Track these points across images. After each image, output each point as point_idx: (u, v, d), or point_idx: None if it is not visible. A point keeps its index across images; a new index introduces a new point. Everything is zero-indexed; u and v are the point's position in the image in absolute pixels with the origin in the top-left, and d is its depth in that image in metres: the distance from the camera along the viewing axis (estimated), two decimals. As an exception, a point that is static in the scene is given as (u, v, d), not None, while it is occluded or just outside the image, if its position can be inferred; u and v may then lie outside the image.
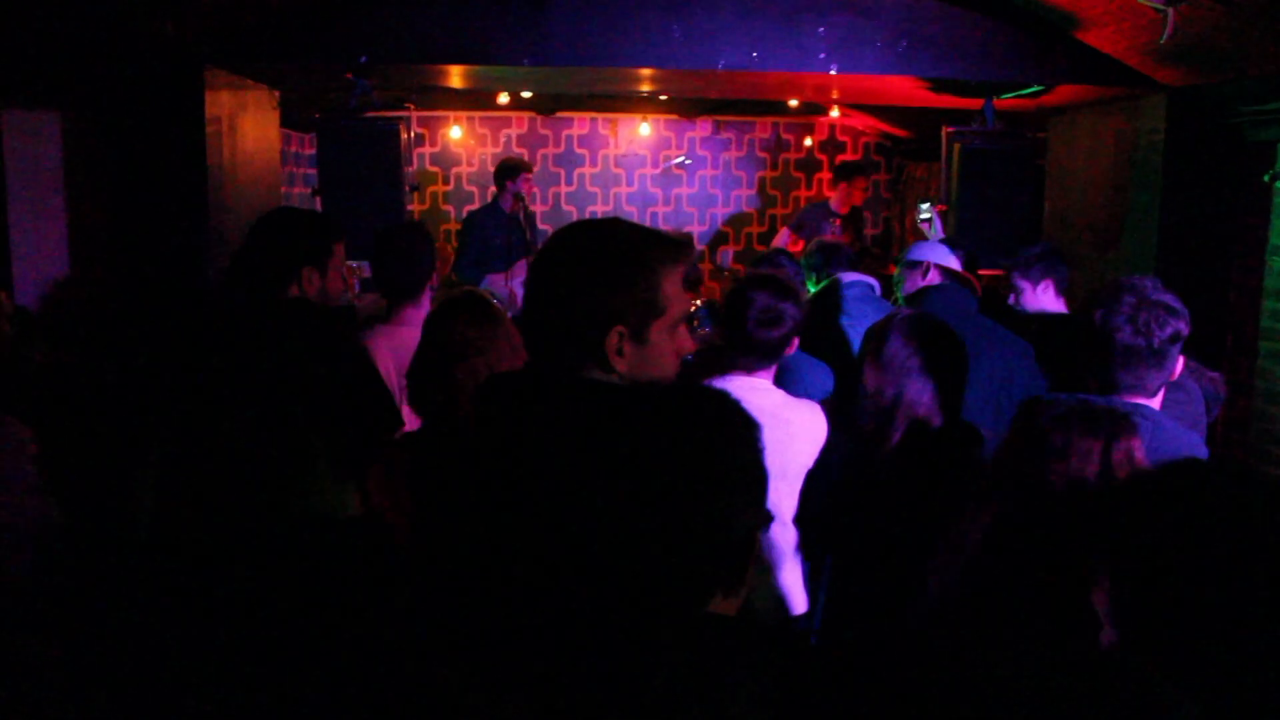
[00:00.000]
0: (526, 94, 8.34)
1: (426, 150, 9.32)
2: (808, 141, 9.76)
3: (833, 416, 3.29)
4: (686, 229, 9.35)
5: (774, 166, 9.79)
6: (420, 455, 2.54)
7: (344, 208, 5.22)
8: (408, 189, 5.34)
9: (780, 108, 8.78)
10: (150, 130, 4.64)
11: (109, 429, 2.92)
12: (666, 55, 4.86)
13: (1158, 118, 4.99)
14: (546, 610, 1.53)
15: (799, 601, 3.27)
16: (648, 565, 1.44)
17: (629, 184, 9.63)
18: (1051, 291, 4.45)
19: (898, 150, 9.68)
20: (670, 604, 1.42)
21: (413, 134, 5.53)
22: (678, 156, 9.51)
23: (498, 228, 7.34)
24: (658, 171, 9.62)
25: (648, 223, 6.30)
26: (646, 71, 5.17)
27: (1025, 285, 4.47)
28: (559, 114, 9.37)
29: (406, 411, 2.91)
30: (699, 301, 6.84)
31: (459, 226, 8.22)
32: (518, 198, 7.35)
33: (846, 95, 7.13)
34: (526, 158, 8.96)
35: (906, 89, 5.54)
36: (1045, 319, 4.40)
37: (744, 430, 1.54)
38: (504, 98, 8.48)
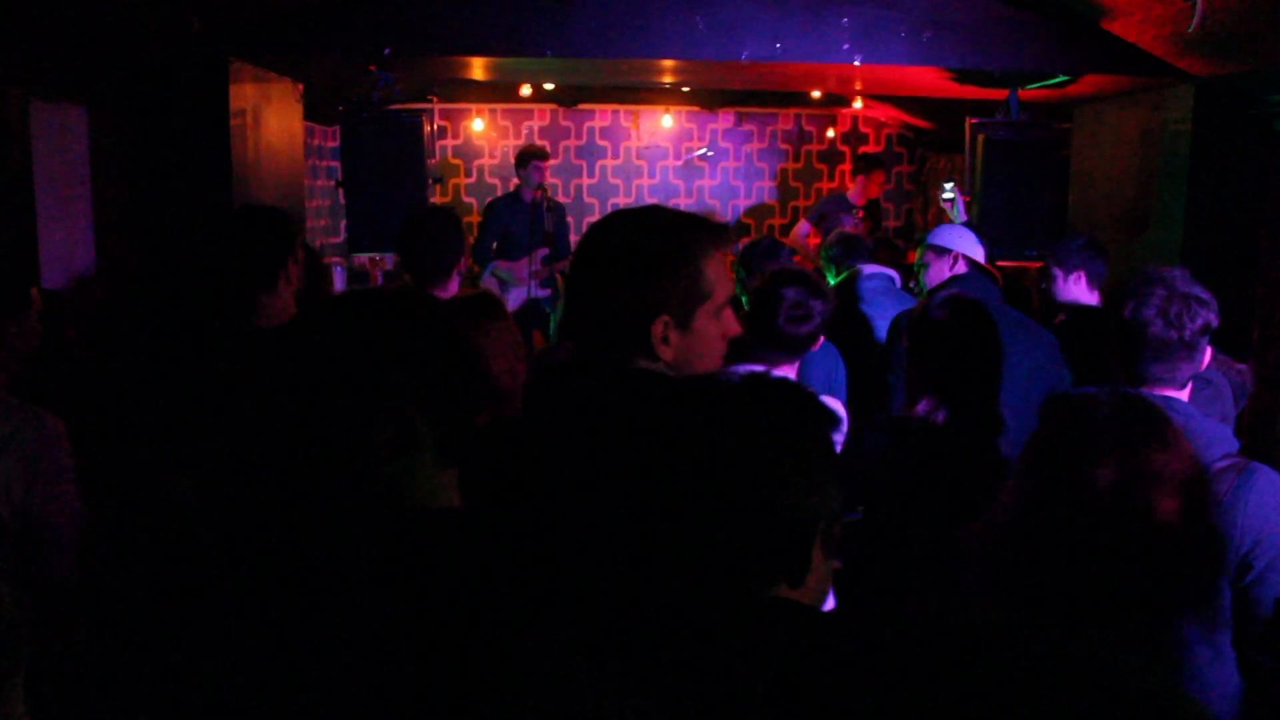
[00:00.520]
0: (549, 86, 8.35)
1: (449, 143, 9.33)
2: (830, 133, 9.73)
3: (849, 407, 3.29)
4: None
5: (796, 158, 9.76)
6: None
7: (367, 200, 5.25)
8: (430, 181, 5.36)
9: (802, 99, 8.75)
10: (175, 123, 4.67)
11: (139, 420, 2.94)
12: (690, 46, 4.85)
13: (1185, 108, 4.95)
14: (605, 596, 1.53)
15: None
16: (700, 552, 1.44)
17: (651, 176, 9.62)
18: (1084, 283, 4.42)
19: (920, 141, 9.63)
20: (723, 590, 1.42)
21: (435, 126, 5.55)
22: (700, 148, 9.50)
23: (517, 217, 7.36)
24: (679, 163, 9.61)
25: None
26: (669, 63, 5.16)
27: (1058, 273, 4.45)
28: (581, 106, 9.37)
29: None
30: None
31: (480, 219, 8.24)
32: (539, 188, 7.37)
33: (870, 86, 7.10)
34: (548, 149, 8.97)
35: (930, 80, 5.51)
36: (1072, 309, 4.38)
37: (805, 417, 1.52)
38: (526, 90, 8.49)
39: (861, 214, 8.11)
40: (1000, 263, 5.10)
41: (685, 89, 8.39)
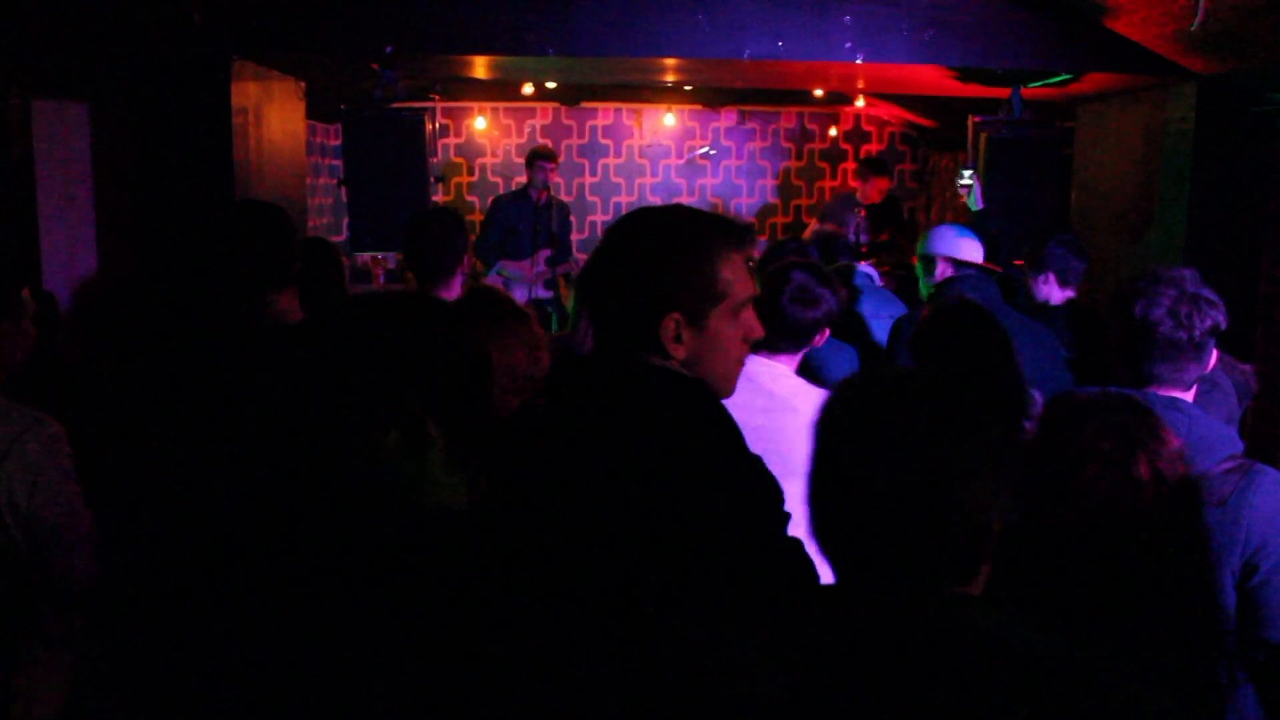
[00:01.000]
0: (551, 85, 8.34)
1: (451, 141, 9.33)
2: (832, 131, 9.72)
3: None
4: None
5: (798, 157, 9.75)
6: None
7: (369, 199, 5.25)
8: (432, 180, 5.36)
9: (805, 98, 8.75)
10: (177, 121, 4.66)
11: (132, 422, 2.93)
12: (692, 45, 4.84)
13: (1187, 106, 4.94)
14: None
15: None
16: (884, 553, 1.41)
17: (653, 174, 9.61)
18: (1053, 282, 4.47)
19: (923, 140, 9.62)
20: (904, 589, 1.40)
21: (437, 125, 5.55)
22: (702, 147, 9.50)
23: (523, 215, 7.36)
24: (682, 162, 9.60)
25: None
26: (672, 61, 5.15)
27: (1030, 274, 4.53)
28: (583, 104, 9.36)
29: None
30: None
31: (482, 217, 8.24)
32: (545, 188, 7.37)
33: (872, 85, 7.09)
34: (555, 150, 8.97)
35: (933, 78, 5.51)
36: (1046, 310, 4.44)
37: (974, 412, 1.47)
38: (529, 88, 8.48)
39: (863, 213, 8.11)
40: (1012, 260, 5.10)
41: (687, 88, 8.39)
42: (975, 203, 5.29)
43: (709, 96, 9.16)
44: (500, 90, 8.80)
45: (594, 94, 9.12)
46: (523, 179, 7.74)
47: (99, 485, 2.62)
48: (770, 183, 9.77)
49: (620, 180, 9.60)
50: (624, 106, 9.44)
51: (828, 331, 3.28)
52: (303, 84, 5.69)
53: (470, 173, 9.42)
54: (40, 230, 4.08)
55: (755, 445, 3.09)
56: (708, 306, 1.86)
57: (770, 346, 3.16)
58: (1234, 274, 4.88)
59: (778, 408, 2.98)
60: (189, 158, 4.66)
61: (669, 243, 1.88)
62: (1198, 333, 2.50)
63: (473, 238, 8.25)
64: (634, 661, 1.36)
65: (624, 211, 2.32)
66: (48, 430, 2.47)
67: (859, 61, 4.89)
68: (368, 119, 5.24)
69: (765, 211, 9.76)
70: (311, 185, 7.30)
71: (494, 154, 9.42)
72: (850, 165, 9.58)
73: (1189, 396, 2.57)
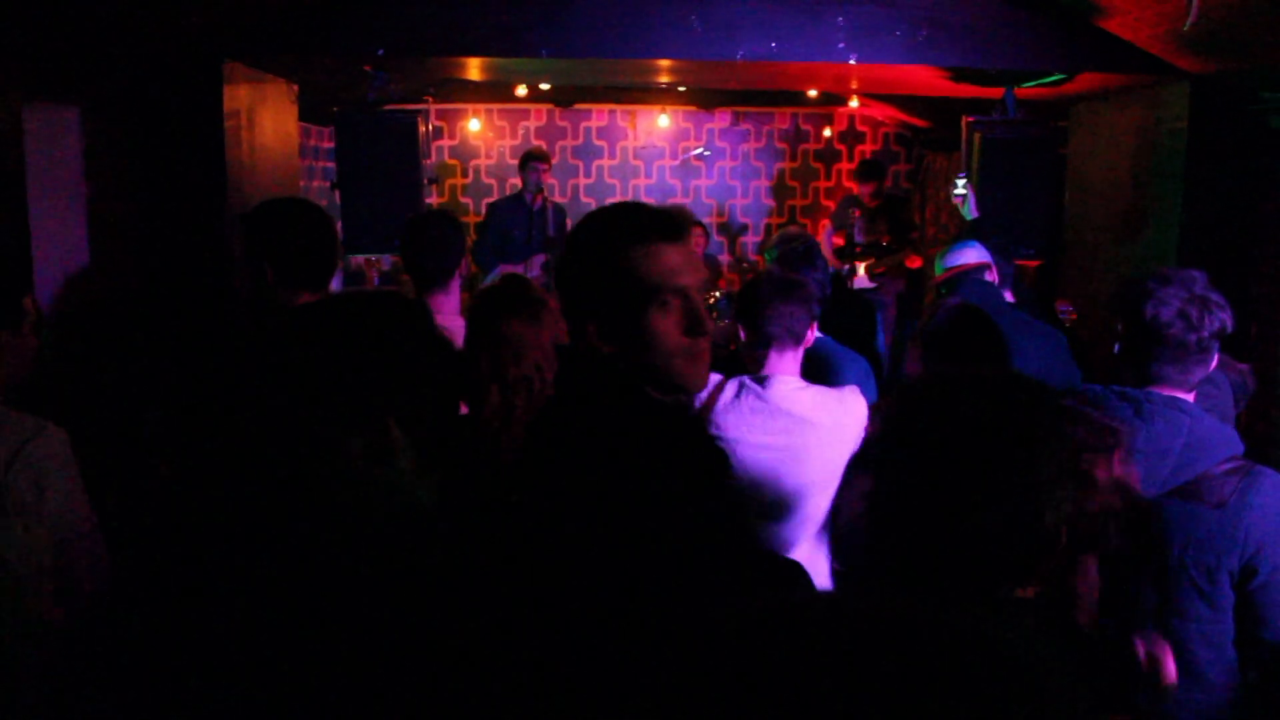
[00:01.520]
0: (545, 86, 8.33)
1: (445, 143, 9.32)
2: (827, 132, 9.72)
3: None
4: (706, 221, 9.29)
5: (793, 157, 9.75)
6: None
7: (362, 201, 5.23)
8: (426, 182, 5.34)
9: (799, 98, 8.73)
10: (169, 124, 4.65)
11: (123, 425, 2.92)
12: (685, 46, 4.84)
13: (1180, 106, 4.94)
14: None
15: None
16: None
17: (648, 176, 9.61)
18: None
19: (918, 140, 9.62)
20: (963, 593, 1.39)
21: (431, 127, 5.51)
22: (696, 148, 9.49)
23: (518, 219, 7.34)
24: (676, 163, 9.59)
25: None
26: (665, 62, 5.14)
27: None
28: (577, 106, 9.36)
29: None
30: (718, 294, 6.82)
31: (477, 219, 8.23)
32: (538, 189, 7.35)
33: (866, 85, 7.09)
34: (547, 151, 8.96)
35: (926, 78, 5.51)
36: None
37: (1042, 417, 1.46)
38: (522, 90, 8.47)
39: (858, 213, 8.13)
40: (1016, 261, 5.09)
41: (682, 89, 8.38)
42: (969, 212, 5.27)
43: (703, 98, 9.15)
44: (494, 92, 8.78)
45: (588, 95, 9.11)
46: (517, 182, 7.73)
47: (99, 486, 2.62)
48: (765, 184, 9.77)
49: (615, 182, 9.59)
50: (618, 108, 9.43)
51: (815, 326, 3.23)
52: (295, 87, 5.67)
53: (465, 174, 9.41)
54: (32, 235, 4.06)
55: (779, 466, 3.09)
56: (631, 304, 1.80)
57: (765, 345, 3.15)
58: (1228, 273, 4.88)
59: (797, 427, 2.99)
60: (181, 161, 4.65)
61: (581, 251, 1.88)
62: (1206, 335, 2.50)
63: (470, 239, 8.24)
64: (595, 660, 1.35)
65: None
66: (51, 435, 2.49)
67: (853, 62, 4.89)
68: (361, 121, 5.22)
69: (760, 212, 9.76)
70: (305, 188, 7.28)
71: (488, 156, 9.41)
72: (845, 166, 9.58)
73: (1191, 397, 2.57)
